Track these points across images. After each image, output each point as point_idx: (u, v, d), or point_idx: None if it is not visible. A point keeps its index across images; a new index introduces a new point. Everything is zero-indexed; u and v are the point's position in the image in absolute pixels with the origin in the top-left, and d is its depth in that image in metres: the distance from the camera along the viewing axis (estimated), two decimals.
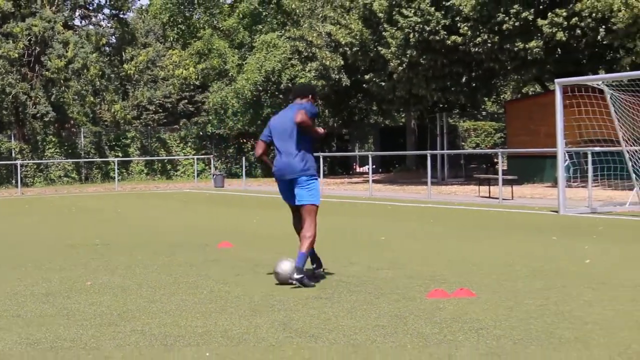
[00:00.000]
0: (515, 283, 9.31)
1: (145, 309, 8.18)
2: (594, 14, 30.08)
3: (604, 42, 31.46)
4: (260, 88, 49.65)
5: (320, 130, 9.90)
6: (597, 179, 23.33)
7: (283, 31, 51.01)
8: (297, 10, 48.77)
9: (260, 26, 53.76)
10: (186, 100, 65.08)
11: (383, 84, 39.18)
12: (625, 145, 19.97)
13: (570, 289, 8.81)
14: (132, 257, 12.53)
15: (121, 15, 54.55)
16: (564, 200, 19.37)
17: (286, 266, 9.43)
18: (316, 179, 9.71)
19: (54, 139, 50.26)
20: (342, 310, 7.84)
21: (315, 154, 10.70)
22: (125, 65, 52.73)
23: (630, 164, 19.96)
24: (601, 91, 20.03)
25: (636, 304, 7.93)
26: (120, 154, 51.69)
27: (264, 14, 54.41)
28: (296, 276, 9.22)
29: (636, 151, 20.17)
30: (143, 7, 66.36)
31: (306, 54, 46.53)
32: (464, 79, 38.51)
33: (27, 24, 46.68)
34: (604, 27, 30.48)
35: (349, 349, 6.31)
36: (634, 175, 19.92)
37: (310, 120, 9.59)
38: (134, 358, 6.22)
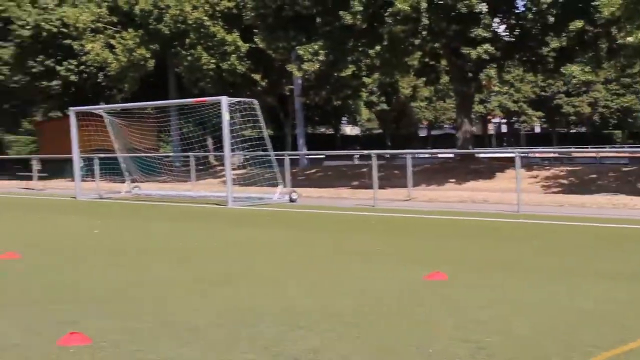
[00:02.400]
0: (57, 247, 9.36)
1: None
2: (95, 64, 30.14)
3: (103, 84, 31.70)
4: None
5: None
6: (103, 175, 23.37)
7: None
8: None
9: None
10: None
11: None
12: (119, 153, 20.44)
13: (85, 253, 9.07)
14: None
15: None
16: (80, 190, 19.36)
17: None
18: None
19: None
20: None
21: None
22: None
23: (123, 165, 20.43)
24: (101, 116, 20.27)
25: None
26: None
27: None
28: None
29: (125, 157, 20.66)
30: None
31: None
32: (8, 106, 36.58)
33: None
34: (102, 73, 30.66)
35: None
36: (126, 173, 20.36)
37: None
38: None
